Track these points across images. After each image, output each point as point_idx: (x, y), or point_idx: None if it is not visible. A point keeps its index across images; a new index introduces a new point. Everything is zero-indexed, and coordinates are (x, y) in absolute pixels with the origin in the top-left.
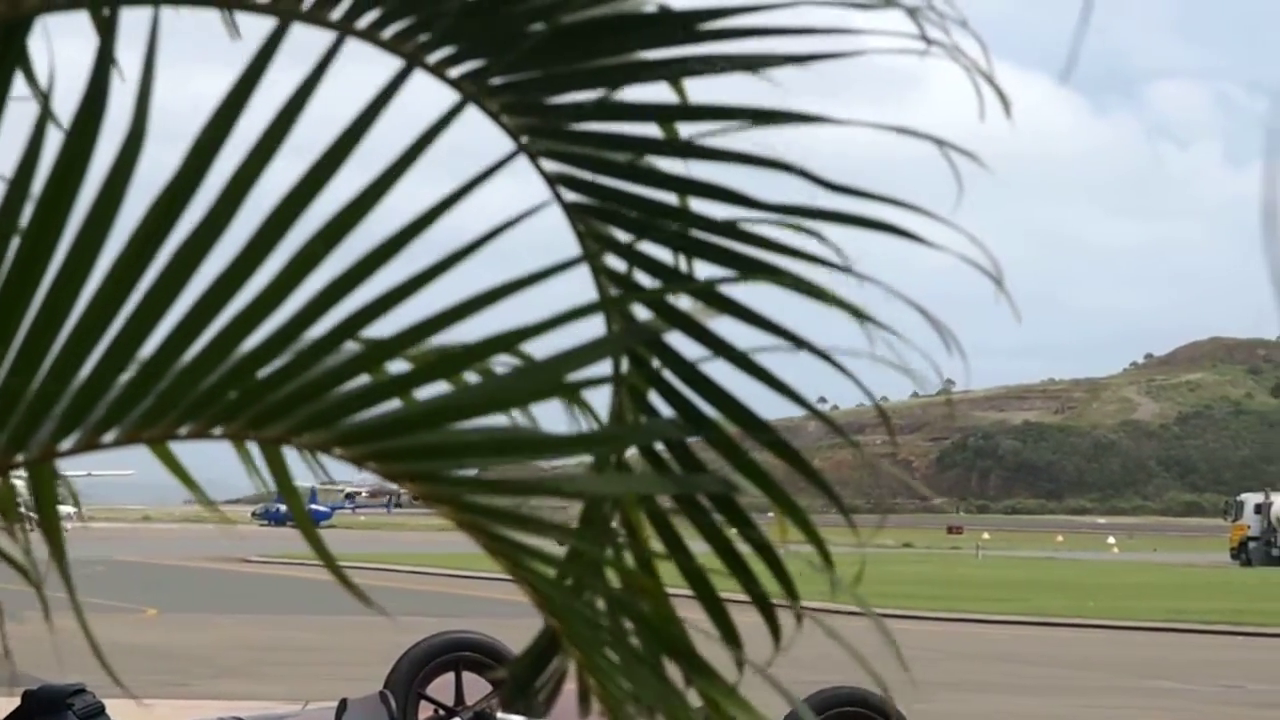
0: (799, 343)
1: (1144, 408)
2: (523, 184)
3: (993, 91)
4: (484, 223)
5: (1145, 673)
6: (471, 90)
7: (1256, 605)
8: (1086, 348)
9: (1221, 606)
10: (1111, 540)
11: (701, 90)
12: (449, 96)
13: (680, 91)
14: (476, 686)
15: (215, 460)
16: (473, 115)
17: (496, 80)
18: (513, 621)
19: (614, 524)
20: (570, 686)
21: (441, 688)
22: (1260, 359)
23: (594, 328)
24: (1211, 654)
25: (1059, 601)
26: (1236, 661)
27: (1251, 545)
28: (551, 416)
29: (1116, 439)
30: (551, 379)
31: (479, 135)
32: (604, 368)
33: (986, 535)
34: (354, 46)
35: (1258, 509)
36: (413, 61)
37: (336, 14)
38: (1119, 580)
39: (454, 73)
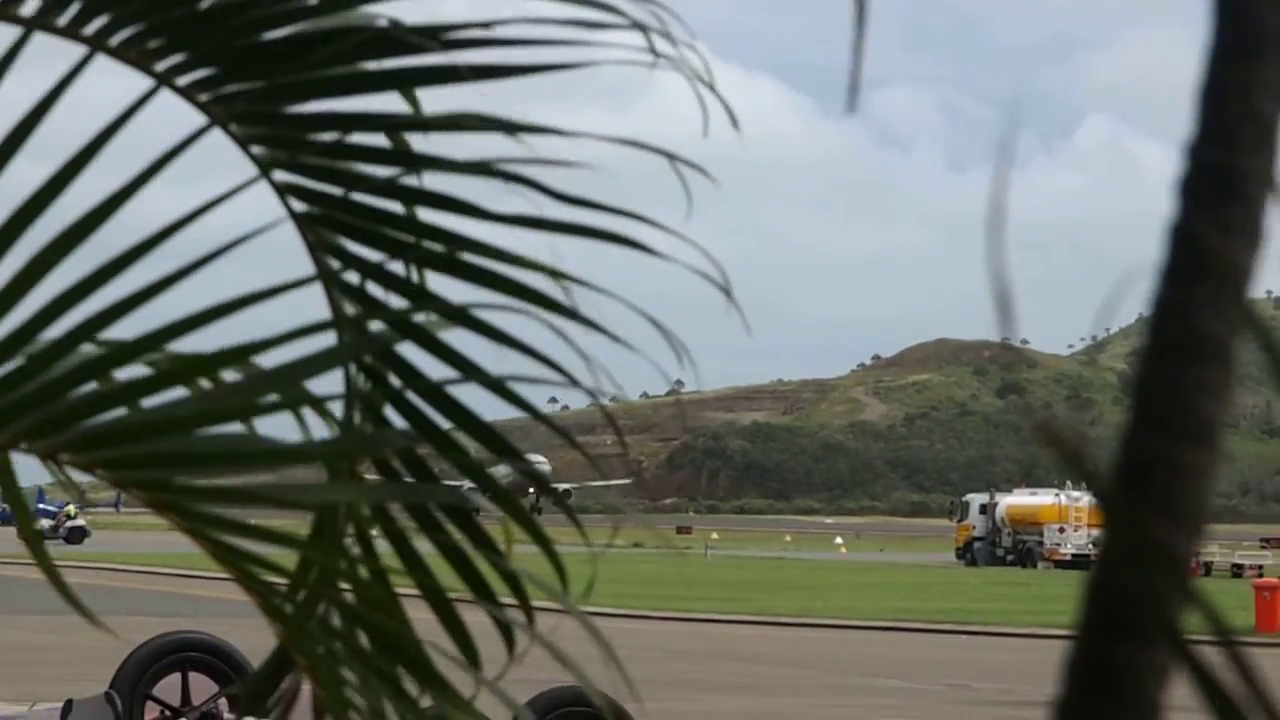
0: (526, 350)
1: (871, 408)
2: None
3: (720, 101)
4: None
5: (873, 671)
6: (203, 99)
7: (981, 605)
8: (815, 349)
9: (947, 606)
10: (839, 540)
11: (441, 101)
12: (189, 112)
13: (414, 103)
14: (203, 687)
15: None
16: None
17: (228, 89)
18: (240, 622)
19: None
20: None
21: (168, 688)
22: (986, 360)
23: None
24: (938, 653)
25: (788, 601)
26: (962, 660)
27: (977, 545)
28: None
29: (844, 439)
30: (278, 389)
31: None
32: (336, 381)
33: (716, 535)
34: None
35: (983, 509)
36: (158, 78)
37: (64, 20)
38: (847, 580)
39: (183, 81)
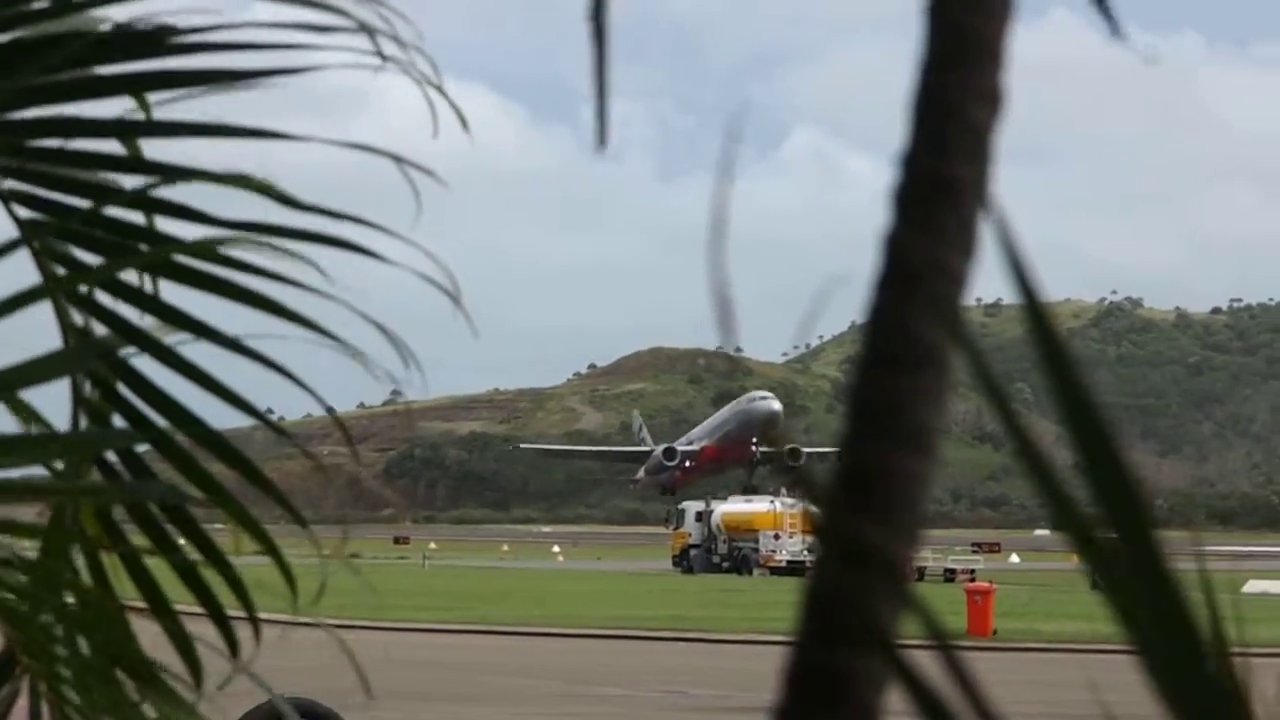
0: (249, 353)
1: (588, 417)
2: None
3: (446, 109)
4: None
5: (592, 679)
6: None
7: (698, 612)
8: (532, 358)
9: (664, 613)
10: (557, 549)
11: (178, 109)
12: None
13: (145, 108)
14: None
15: None
16: None
17: None
18: None
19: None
20: None
21: None
22: (701, 369)
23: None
24: (655, 660)
25: (506, 610)
26: (679, 667)
27: (693, 553)
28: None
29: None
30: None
31: None
32: (62, 385)
33: (434, 545)
34: None
35: (699, 516)
36: None
37: None
38: (565, 588)
39: None
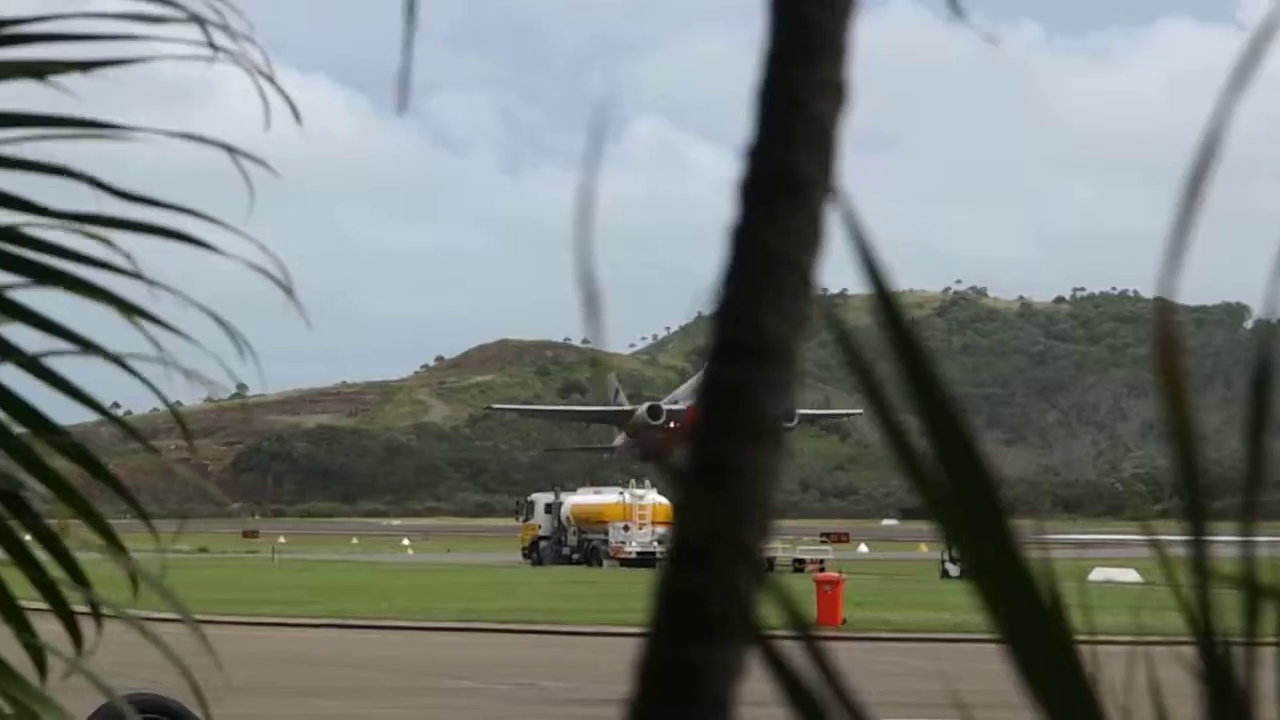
0: (90, 347)
1: (435, 410)
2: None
3: (280, 100)
4: None
5: (443, 672)
6: None
7: (547, 604)
8: (379, 351)
9: (514, 606)
10: (406, 542)
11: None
12: None
13: None
14: None
15: None
16: None
17: None
18: None
19: None
20: None
21: None
22: (549, 360)
23: None
24: (505, 652)
25: (357, 603)
26: (529, 660)
27: (543, 545)
28: None
29: (409, 441)
30: None
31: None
32: None
33: (283, 539)
34: None
35: (548, 508)
36: None
37: None
38: (415, 581)
39: None
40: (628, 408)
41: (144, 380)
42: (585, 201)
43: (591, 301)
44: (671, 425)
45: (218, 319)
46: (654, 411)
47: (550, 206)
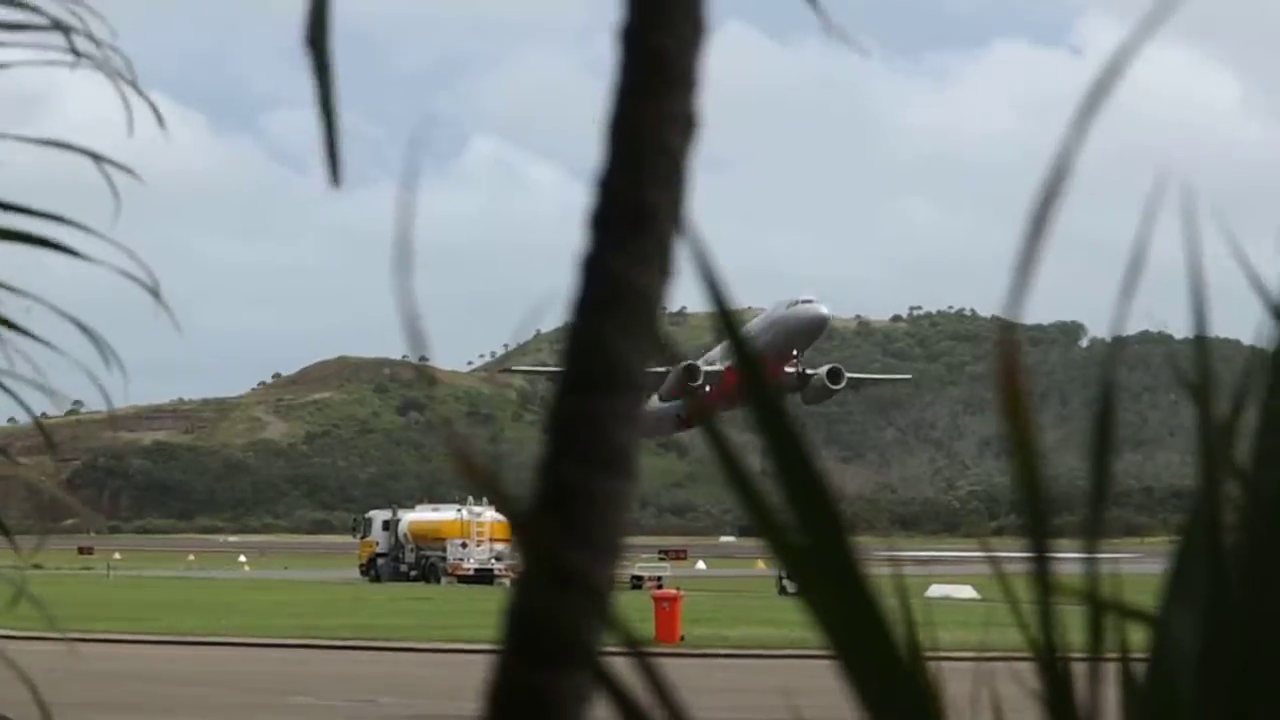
0: None
1: (273, 427)
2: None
3: (146, 101)
4: None
5: (282, 689)
6: None
7: (385, 620)
8: (215, 367)
9: (352, 622)
10: (243, 559)
11: None
12: None
13: None
14: None
15: None
16: None
17: None
18: None
19: None
20: None
21: None
22: (386, 378)
23: None
24: (345, 669)
25: (194, 620)
26: (368, 675)
27: (380, 562)
28: None
29: (246, 458)
30: None
31: None
32: None
33: (119, 555)
34: None
35: (386, 525)
36: None
37: None
38: (253, 598)
39: None
40: (662, 369)
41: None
42: (404, 221)
43: (412, 319)
44: (707, 389)
45: (86, 330)
46: (691, 373)
47: (389, 222)
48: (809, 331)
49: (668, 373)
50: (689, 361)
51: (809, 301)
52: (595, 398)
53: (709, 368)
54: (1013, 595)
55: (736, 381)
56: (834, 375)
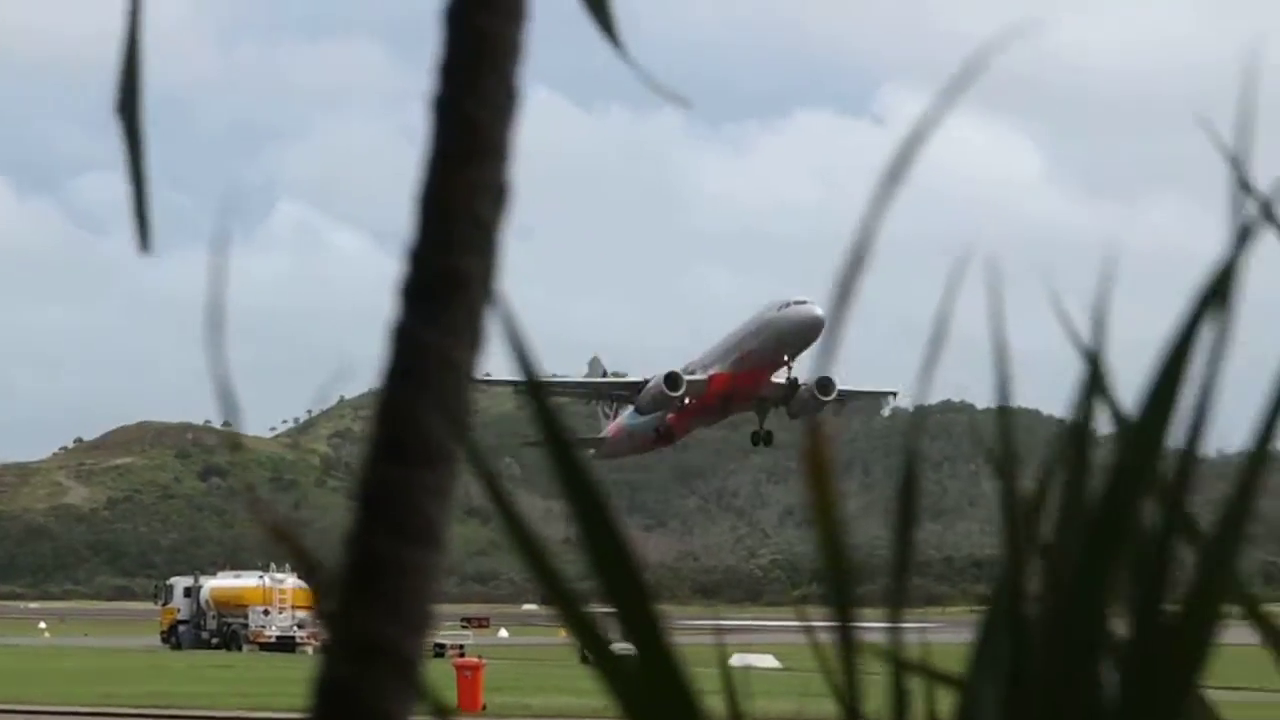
0: None
1: (75, 492)
2: None
3: None
4: None
5: None
6: None
7: (185, 688)
8: (14, 431)
9: (152, 689)
10: (43, 625)
11: None
12: None
13: None
14: None
15: None
16: None
17: None
18: None
19: None
20: None
21: None
22: (189, 443)
23: None
24: None
25: None
26: None
27: (182, 629)
28: None
29: (47, 523)
30: None
31: None
32: None
33: None
34: None
35: (187, 592)
36: None
37: None
38: (53, 666)
39: None
40: (638, 380)
41: None
42: (215, 292)
43: (223, 385)
44: (687, 401)
45: None
46: (672, 381)
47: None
48: (803, 335)
49: (646, 383)
50: (670, 370)
51: (802, 302)
52: (407, 469)
53: (691, 377)
54: (820, 663)
55: (721, 390)
56: (824, 386)
